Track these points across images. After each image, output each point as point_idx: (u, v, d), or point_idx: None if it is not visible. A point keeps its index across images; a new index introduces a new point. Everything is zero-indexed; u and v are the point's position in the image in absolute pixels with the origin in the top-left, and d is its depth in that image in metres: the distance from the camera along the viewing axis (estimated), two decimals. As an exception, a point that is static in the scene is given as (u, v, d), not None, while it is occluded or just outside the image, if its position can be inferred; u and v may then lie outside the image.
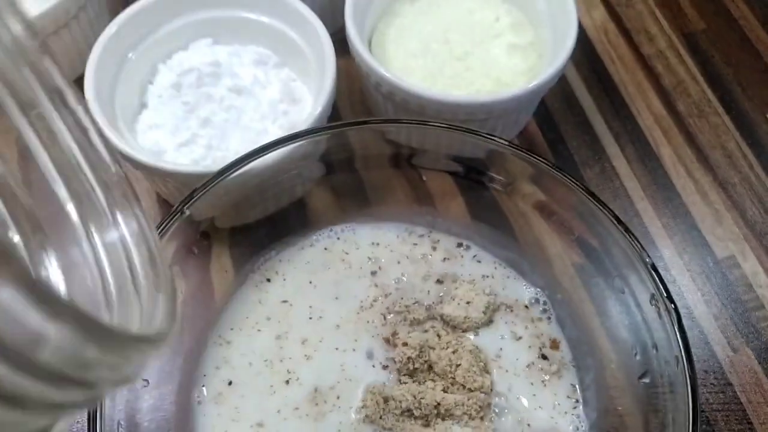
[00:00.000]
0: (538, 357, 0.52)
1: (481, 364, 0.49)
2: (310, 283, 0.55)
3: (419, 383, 0.49)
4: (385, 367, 0.51)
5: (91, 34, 0.70)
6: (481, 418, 0.47)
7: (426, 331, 0.52)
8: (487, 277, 0.55)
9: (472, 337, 0.52)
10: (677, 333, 0.43)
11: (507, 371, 0.51)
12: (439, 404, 0.47)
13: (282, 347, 0.52)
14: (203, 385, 0.51)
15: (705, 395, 0.57)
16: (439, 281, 0.55)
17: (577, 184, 0.49)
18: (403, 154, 0.60)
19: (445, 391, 0.48)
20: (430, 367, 0.50)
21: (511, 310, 0.53)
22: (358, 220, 0.60)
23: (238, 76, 0.65)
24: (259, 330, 0.53)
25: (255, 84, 0.65)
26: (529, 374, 0.51)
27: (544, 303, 0.55)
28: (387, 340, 0.52)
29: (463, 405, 0.47)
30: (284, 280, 0.55)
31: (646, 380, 0.46)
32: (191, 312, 0.54)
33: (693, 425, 0.40)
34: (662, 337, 0.45)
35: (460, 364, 0.48)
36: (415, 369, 0.49)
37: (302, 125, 0.64)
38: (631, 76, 0.74)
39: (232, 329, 0.53)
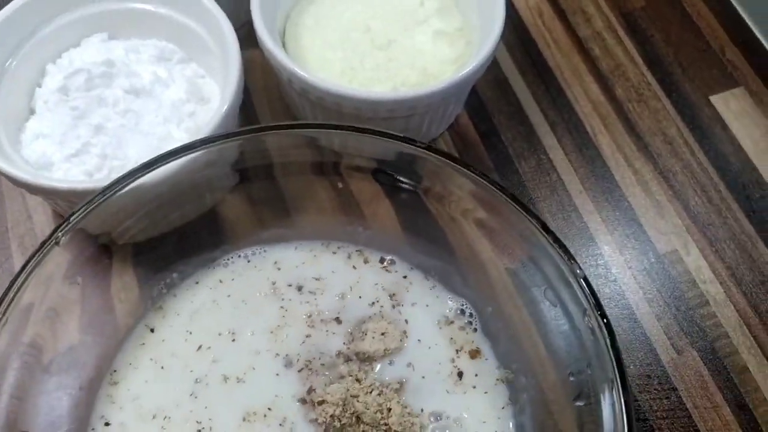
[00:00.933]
0: (453, 366, 0.48)
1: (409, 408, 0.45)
2: (215, 309, 0.50)
3: None
4: None
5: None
6: None
7: (343, 377, 0.46)
8: (407, 290, 0.50)
9: (388, 365, 0.47)
10: (611, 353, 0.39)
11: (434, 392, 0.47)
12: None
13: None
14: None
15: (648, 402, 0.54)
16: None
17: (499, 189, 0.45)
18: (327, 159, 0.54)
19: None
20: (358, 419, 0.44)
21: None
22: (271, 239, 0.54)
23: (137, 74, 0.58)
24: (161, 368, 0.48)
25: (156, 83, 0.59)
26: (455, 388, 0.46)
27: (470, 315, 0.50)
28: (303, 401, 0.46)
29: None
30: (177, 315, 0.50)
31: (581, 403, 0.42)
32: (89, 341, 0.48)
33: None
34: (596, 356, 0.41)
35: (390, 409, 0.44)
36: (343, 425, 0.44)
37: (208, 127, 0.59)
38: (567, 60, 0.69)
39: (130, 364, 0.48)
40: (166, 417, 0.46)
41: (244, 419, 0.45)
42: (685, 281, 0.59)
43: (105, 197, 0.44)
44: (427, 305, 0.50)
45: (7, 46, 0.56)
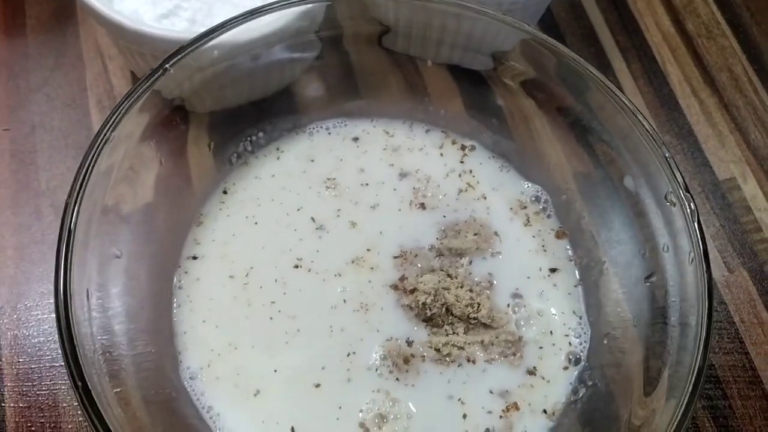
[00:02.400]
0: (542, 248, 0.49)
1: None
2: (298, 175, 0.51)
3: (438, 328, 0.46)
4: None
5: None
6: (513, 354, 0.45)
7: (434, 270, 0.47)
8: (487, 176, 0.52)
9: (479, 261, 0.48)
10: (696, 226, 0.40)
11: (518, 276, 0.48)
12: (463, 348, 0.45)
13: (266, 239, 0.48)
14: (182, 270, 0.47)
15: (699, 313, 0.55)
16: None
17: (594, 74, 0.46)
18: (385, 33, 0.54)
19: (466, 332, 0.45)
20: (448, 310, 0.46)
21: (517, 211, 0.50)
22: (349, 113, 0.55)
23: (228, -52, 0.59)
24: (244, 217, 0.49)
25: (244, -42, 0.59)
26: (538, 275, 0.48)
27: (545, 201, 0.52)
28: (395, 287, 0.47)
29: (492, 345, 0.44)
30: (262, 175, 0.51)
31: (653, 280, 0.44)
32: (165, 191, 0.49)
33: (707, 324, 0.38)
34: (675, 236, 0.42)
35: (480, 304, 0.45)
36: (432, 314, 0.45)
37: None
38: (640, -10, 0.70)
39: (208, 213, 0.49)
40: (249, 275, 0.47)
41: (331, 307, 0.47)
42: (740, 207, 0.60)
43: (207, 39, 0.45)
44: (503, 192, 0.51)
45: None
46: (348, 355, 0.45)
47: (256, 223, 0.49)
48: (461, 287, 0.45)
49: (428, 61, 0.56)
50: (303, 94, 0.56)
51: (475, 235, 0.48)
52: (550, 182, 0.52)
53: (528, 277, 0.47)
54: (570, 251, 0.50)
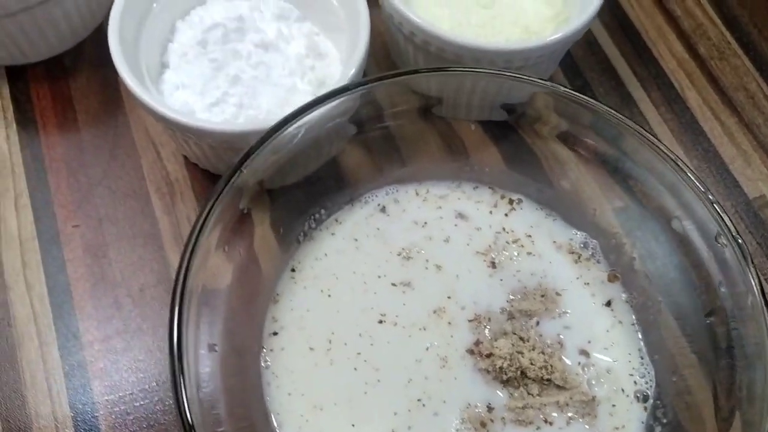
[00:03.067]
0: (600, 301, 0.52)
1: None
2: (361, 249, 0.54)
3: (514, 389, 0.49)
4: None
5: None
6: (588, 414, 0.48)
7: (506, 333, 0.50)
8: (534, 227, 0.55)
9: (547, 321, 0.51)
10: (749, 266, 0.43)
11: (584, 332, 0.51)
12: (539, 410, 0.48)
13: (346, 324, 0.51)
14: (267, 349, 0.50)
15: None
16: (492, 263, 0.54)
17: (630, 125, 0.49)
18: (431, 105, 0.58)
19: (540, 394, 0.48)
20: (523, 373, 0.48)
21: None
22: (399, 179, 0.58)
23: (263, 31, 0.62)
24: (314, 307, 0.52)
25: (279, 39, 0.62)
26: (601, 326, 0.51)
27: (593, 247, 0.55)
28: (471, 352, 0.50)
29: (567, 405, 0.48)
30: (326, 255, 0.54)
31: (712, 318, 0.47)
32: (240, 279, 0.51)
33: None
34: (729, 274, 0.45)
35: (553, 366, 0.48)
36: (509, 378, 0.48)
37: (333, 80, 0.63)
38: (651, 20, 0.73)
39: (282, 291, 0.52)
40: (331, 341, 0.50)
41: (416, 360, 0.50)
42: (773, 223, 0.64)
43: (278, 134, 0.48)
44: (555, 241, 0.55)
45: (139, 10, 0.60)
46: (433, 415, 0.48)
47: (329, 296, 0.52)
48: (533, 350, 0.48)
49: (471, 125, 0.59)
50: (350, 166, 0.59)
51: (542, 296, 0.51)
52: (596, 227, 0.55)
53: (592, 331, 0.50)
54: (624, 294, 0.53)
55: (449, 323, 0.51)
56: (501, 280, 0.53)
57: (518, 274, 0.53)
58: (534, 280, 0.53)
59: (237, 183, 0.47)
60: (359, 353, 0.50)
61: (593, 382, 0.49)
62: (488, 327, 0.50)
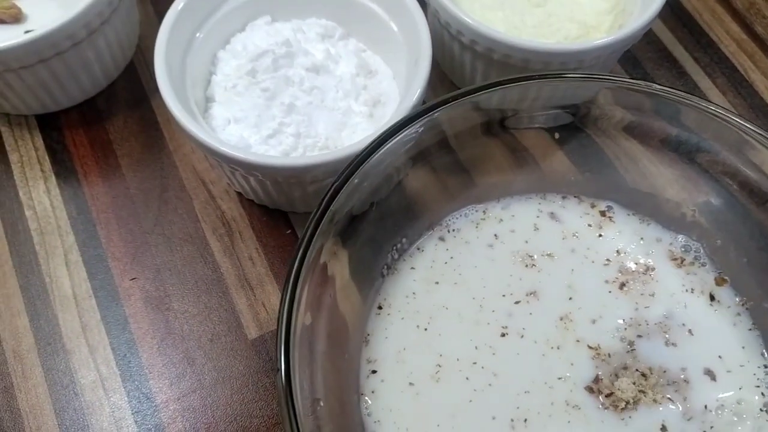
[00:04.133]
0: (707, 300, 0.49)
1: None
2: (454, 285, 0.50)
3: None
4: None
5: (128, 26, 0.63)
6: None
7: (626, 367, 0.46)
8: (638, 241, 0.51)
9: (665, 349, 0.47)
10: None
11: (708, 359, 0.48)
12: None
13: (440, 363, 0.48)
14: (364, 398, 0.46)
15: None
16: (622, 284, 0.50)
17: (710, 109, 0.46)
18: (495, 119, 0.55)
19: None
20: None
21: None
22: (477, 199, 0.55)
23: (311, 53, 0.59)
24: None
25: (328, 60, 0.59)
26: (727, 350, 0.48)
27: (696, 249, 0.51)
28: (591, 390, 0.46)
29: None
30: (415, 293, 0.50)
31: None
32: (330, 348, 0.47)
33: None
34: None
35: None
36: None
37: (388, 98, 0.59)
38: (702, 3, 0.70)
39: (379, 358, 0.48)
40: (440, 364, 0.47)
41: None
42: None
43: (362, 165, 0.45)
44: (659, 251, 0.51)
45: (182, 42, 0.56)
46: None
47: (425, 330, 0.48)
48: (657, 389, 0.45)
49: (536, 133, 0.55)
50: (418, 192, 0.55)
51: (666, 317, 0.48)
52: (695, 229, 0.52)
53: (720, 357, 0.47)
54: (737, 297, 0.49)
55: (577, 341, 0.47)
56: (623, 302, 0.49)
57: (631, 292, 0.49)
58: (651, 296, 0.49)
59: (321, 230, 0.43)
60: (475, 362, 0.47)
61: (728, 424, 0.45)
62: (610, 363, 0.46)
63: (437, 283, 0.50)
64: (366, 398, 0.47)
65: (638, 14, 0.58)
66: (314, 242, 0.42)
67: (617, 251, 0.51)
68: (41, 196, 0.60)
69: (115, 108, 0.64)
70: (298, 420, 0.37)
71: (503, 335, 0.48)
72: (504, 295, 0.49)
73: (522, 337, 0.48)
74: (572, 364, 0.47)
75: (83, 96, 0.63)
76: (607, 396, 0.45)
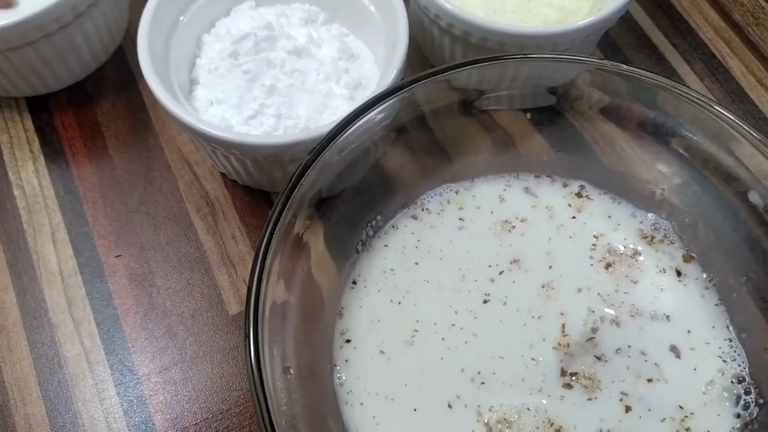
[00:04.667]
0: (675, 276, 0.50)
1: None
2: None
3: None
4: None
5: (116, 9, 0.64)
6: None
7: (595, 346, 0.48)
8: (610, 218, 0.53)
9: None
10: None
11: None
12: None
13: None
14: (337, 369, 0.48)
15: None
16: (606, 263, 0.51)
17: (691, 95, 0.47)
18: (472, 100, 0.56)
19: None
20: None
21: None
22: (451, 178, 0.56)
23: (293, 37, 0.60)
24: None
25: (310, 44, 0.60)
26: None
27: (665, 228, 0.52)
28: (562, 372, 0.47)
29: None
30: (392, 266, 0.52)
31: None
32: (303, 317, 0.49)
33: None
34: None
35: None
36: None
37: (370, 81, 0.60)
38: (682, -10, 0.71)
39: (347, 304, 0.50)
40: (417, 329, 0.49)
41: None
42: (836, 187, 0.61)
43: (332, 143, 0.46)
44: (626, 229, 0.52)
45: (166, 26, 0.57)
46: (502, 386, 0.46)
47: (399, 303, 0.50)
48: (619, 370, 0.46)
49: (513, 114, 0.57)
50: (396, 170, 0.56)
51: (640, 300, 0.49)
52: (664, 207, 0.53)
53: (688, 331, 0.48)
54: (704, 274, 0.50)
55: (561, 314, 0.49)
56: (597, 273, 0.51)
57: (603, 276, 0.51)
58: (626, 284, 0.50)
59: (292, 206, 0.44)
60: (453, 324, 0.48)
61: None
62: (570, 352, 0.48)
63: (416, 263, 0.51)
64: (338, 368, 0.48)
65: (614, -1, 0.59)
66: (285, 215, 0.43)
67: (593, 229, 0.52)
68: (30, 176, 0.61)
69: (103, 90, 0.66)
70: (264, 385, 0.38)
71: (485, 302, 0.49)
72: (489, 266, 0.51)
73: (504, 304, 0.49)
74: (544, 340, 0.48)
75: (72, 79, 0.64)
76: (572, 375, 0.46)
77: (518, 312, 0.49)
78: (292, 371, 0.44)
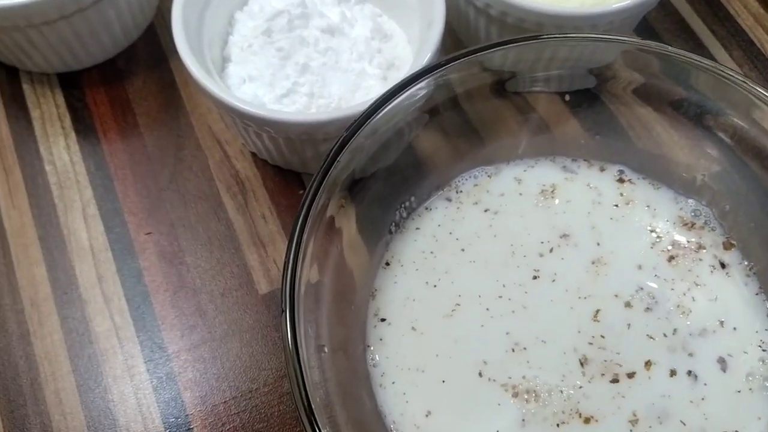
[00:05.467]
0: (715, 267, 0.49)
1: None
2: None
3: None
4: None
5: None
6: None
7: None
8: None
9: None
10: None
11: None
12: None
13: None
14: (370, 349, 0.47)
15: None
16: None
17: (734, 77, 0.46)
18: (504, 80, 0.55)
19: None
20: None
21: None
22: (485, 160, 0.55)
23: (326, 15, 0.59)
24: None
25: (344, 22, 0.59)
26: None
27: (706, 214, 0.51)
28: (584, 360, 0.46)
29: None
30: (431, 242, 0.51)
31: None
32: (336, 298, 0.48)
33: None
34: None
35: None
36: None
37: (403, 62, 0.60)
38: (721, -25, 0.70)
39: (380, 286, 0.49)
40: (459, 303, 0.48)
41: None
42: None
43: (369, 120, 0.45)
44: (665, 214, 0.51)
45: (199, 2, 0.57)
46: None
47: (435, 286, 0.49)
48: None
49: (547, 96, 0.56)
50: (428, 152, 0.55)
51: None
52: (705, 193, 0.52)
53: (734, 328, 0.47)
54: (744, 262, 0.49)
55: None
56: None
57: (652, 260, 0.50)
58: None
59: (325, 189, 0.44)
60: (501, 296, 0.48)
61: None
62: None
63: (456, 241, 0.51)
64: (371, 348, 0.47)
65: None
66: (319, 195, 0.43)
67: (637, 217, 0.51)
68: (61, 152, 0.61)
69: (134, 68, 0.65)
70: (301, 361, 0.38)
71: (535, 278, 0.49)
72: (534, 242, 0.50)
73: (554, 281, 0.49)
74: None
75: (104, 55, 0.64)
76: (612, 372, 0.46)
77: (567, 292, 0.48)
78: (326, 349, 0.44)
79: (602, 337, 0.46)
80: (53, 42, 0.59)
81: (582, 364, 0.46)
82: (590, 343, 0.46)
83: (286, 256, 0.41)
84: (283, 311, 0.39)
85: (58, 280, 0.56)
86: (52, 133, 0.62)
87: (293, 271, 0.41)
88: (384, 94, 0.47)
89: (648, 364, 0.46)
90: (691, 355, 0.46)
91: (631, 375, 0.45)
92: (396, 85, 0.47)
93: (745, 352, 0.46)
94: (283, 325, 0.39)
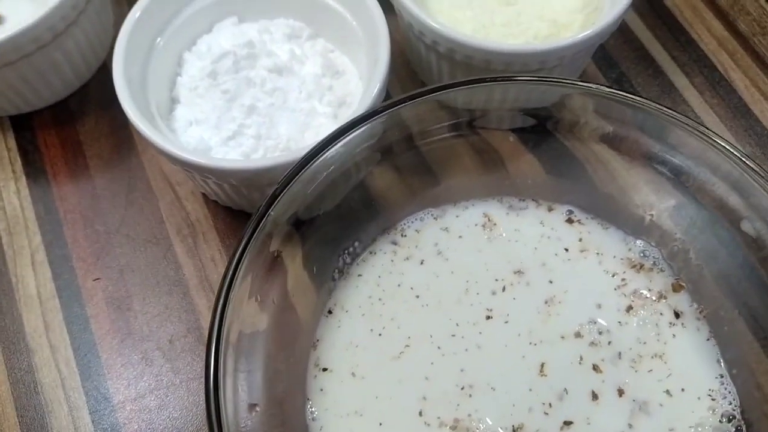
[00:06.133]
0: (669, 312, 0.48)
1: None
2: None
3: None
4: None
5: (99, 27, 0.63)
6: None
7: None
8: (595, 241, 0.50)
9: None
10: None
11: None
12: None
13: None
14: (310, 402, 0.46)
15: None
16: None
17: (685, 121, 0.45)
18: (463, 120, 0.54)
19: None
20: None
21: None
22: (434, 201, 0.54)
23: (275, 54, 0.59)
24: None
25: (293, 60, 0.59)
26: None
27: (654, 255, 0.50)
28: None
29: None
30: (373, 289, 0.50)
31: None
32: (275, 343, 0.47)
33: None
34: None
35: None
36: None
37: (354, 98, 0.59)
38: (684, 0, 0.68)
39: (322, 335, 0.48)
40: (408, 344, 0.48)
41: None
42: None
43: (305, 168, 0.44)
44: (614, 255, 0.50)
45: (145, 42, 0.56)
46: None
47: (379, 334, 0.48)
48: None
49: (505, 134, 0.55)
50: (380, 191, 0.55)
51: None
52: (654, 233, 0.51)
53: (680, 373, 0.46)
54: (694, 304, 0.48)
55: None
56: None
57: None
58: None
59: (265, 226, 0.43)
60: (454, 335, 0.47)
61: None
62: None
63: (398, 285, 0.50)
64: (311, 402, 0.46)
65: (608, 11, 0.57)
66: (257, 235, 0.42)
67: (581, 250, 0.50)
68: (11, 197, 0.61)
69: (87, 108, 0.65)
70: (221, 423, 0.37)
71: (488, 318, 0.48)
72: (469, 282, 0.50)
73: (506, 323, 0.48)
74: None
75: (54, 97, 0.64)
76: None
77: (519, 336, 0.47)
78: (257, 408, 0.43)
79: (549, 405, 0.45)
80: (0, 87, 0.59)
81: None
82: (531, 410, 0.45)
83: (214, 303, 0.40)
84: (206, 366, 0.38)
85: (5, 329, 0.56)
86: (3, 178, 0.62)
87: (219, 327, 0.40)
88: (324, 139, 0.46)
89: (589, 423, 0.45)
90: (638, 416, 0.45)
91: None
92: (338, 128, 0.47)
93: (693, 412, 0.45)
94: (206, 386, 0.38)
